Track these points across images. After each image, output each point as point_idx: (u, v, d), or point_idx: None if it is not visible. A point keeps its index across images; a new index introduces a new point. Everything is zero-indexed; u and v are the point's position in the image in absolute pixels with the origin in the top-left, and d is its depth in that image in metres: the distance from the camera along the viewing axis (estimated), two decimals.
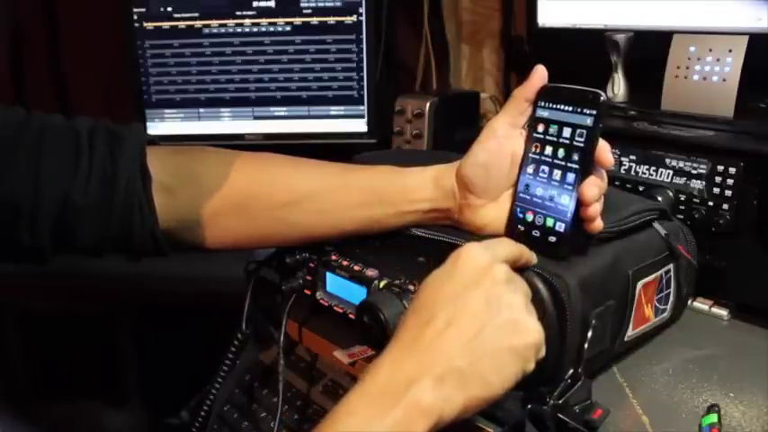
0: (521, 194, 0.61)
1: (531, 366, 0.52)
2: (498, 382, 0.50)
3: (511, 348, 0.51)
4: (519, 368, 0.51)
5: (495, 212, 0.63)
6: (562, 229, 0.59)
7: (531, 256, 0.58)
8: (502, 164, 0.62)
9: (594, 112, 0.57)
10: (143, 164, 0.65)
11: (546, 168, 0.60)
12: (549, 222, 0.59)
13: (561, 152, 0.59)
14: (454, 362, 0.49)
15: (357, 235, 0.70)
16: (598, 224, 0.59)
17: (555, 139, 0.59)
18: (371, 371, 0.50)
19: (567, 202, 0.58)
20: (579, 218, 0.58)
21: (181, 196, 0.67)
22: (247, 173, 0.70)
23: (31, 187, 0.62)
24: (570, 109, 0.59)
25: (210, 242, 0.70)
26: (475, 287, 0.52)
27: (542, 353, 0.54)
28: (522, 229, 0.61)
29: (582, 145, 0.58)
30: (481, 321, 0.51)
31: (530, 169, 0.61)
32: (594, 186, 0.58)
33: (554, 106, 0.60)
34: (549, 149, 0.60)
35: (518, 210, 0.62)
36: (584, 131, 0.58)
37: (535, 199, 0.60)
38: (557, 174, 0.59)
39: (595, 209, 0.58)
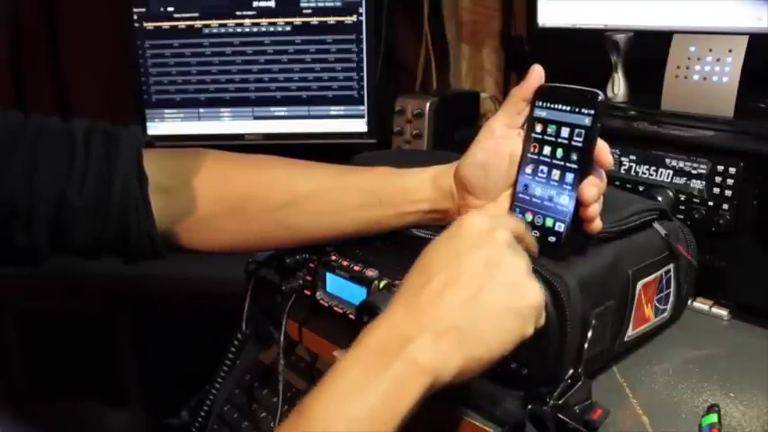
0: (520, 195, 0.61)
1: (531, 330, 0.52)
2: (497, 343, 0.50)
3: (510, 309, 0.50)
4: (518, 330, 0.51)
5: (494, 213, 0.63)
6: (561, 230, 0.58)
7: (533, 242, 0.58)
8: (500, 164, 0.62)
9: (593, 111, 0.57)
10: (140, 165, 0.65)
11: (545, 168, 0.60)
12: (549, 222, 0.59)
13: (560, 152, 0.59)
14: (453, 321, 0.49)
15: (357, 237, 0.70)
16: (597, 224, 0.59)
17: (553, 139, 0.59)
18: (367, 332, 0.50)
19: (566, 202, 0.58)
20: (579, 218, 0.58)
21: (177, 198, 0.67)
22: (245, 174, 0.70)
23: (26, 188, 0.62)
24: (568, 109, 0.58)
25: (207, 244, 0.70)
26: (475, 249, 0.51)
27: (542, 319, 0.53)
28: None
29: (580, 145, 0.58)
30: (481, 282, 0.50)
31: (528, 169, 0.61)
32: (594, 186, 0.57)
33: (552, 106, 0.60)
34: (547, 149, 0.60)
35: (517, 210, 0.61)
36: (583, 131, 0.57)
37: (534, 199, 0.60)
38: (555, 174, 0.59)
39: (595, 209, 0.58)
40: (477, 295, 0.50)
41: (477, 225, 0.53)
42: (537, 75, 0.61)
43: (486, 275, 0.50)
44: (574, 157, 0.58)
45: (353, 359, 0.49)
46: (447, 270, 0.51)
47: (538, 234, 0.60)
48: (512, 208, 0.62)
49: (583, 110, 0.57)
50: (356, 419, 0.46)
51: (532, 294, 0.52)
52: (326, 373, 0.49)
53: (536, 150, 0.60)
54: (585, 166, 0.58)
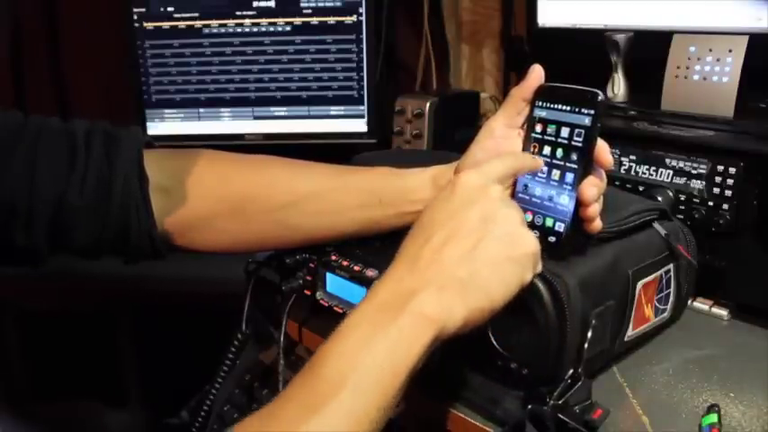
0: (519, 194, 0.61)
1: (529, 277, 0.53)
2: (498, 293, 0.51)
3: (508, 258, 0.52)
4: (517, 278, 0.52)
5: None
6: (561, 229, 0.58)
7: (533, 162, 0.59)
8: None
9: (593, 111, 0.57)
10: (140, 165, 0.65)
11: (544, 168, 0.60)
12: (549, 222, 0.59)
13: (560, 152, 0.59)
14: (454, 273, 0.50)
15: (357, 237, 0.70)
16: (597, 224, 0.59)
17: (553, 139, 0.59)
18: (371, 293, 0.51)
19: (566, 202, 0.58)
20: (579, 218, 0.58)
21: (178, 198, 0.67)
22: (245, 175, 0.70)
23: (26, 188, 0.62)
24: (568, 109, 0.58)
25: (208, 244, 0.70)
26: (471, 205, 0.53)
27: (539, 266, 0.55)
28: None
29: (580, 145, 0.58)
30: (478, 235, 0.52)
31: None
32: (594, 186, 0.57)
33: (552, 106, 0.60)
34: (547, 149, 0.60)
35: None
36: (583, 131, 0.57)
37: (534, 199, 0.60)
38: (555, 174, 0.59)
39: (595, 209, 0.58)
40: (476, 248, 0.51)
41: (470, 182, 0.54)
42: (537, 75, 0.61)
43: (483, 229, 0.52)
44: (574, 156, 0.58)
45: (360, 318, 0.50)
46: (445, 227, 0.52)
47: (538, 234, 0.59)
48: None
49: (583, 110, 0.57)
50: (366, 373, 0.47)
51: (528, 243, 0.53)
52: (332, 333, 0.50)
53: (536, 150, 0.60)
54: (585, 166, 0.58)
